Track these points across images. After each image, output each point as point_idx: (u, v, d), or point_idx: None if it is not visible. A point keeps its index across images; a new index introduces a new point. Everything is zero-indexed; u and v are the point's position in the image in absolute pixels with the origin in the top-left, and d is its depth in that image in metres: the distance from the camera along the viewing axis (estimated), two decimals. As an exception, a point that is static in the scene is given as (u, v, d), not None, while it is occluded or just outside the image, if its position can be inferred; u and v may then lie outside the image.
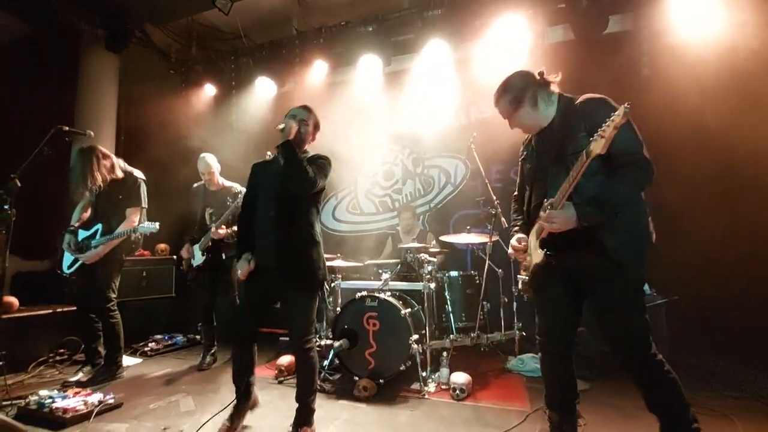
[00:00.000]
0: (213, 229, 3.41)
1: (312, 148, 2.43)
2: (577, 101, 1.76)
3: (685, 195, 3.62)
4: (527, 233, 1.92)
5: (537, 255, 1.81)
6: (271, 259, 2.18)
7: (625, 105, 1.39)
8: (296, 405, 2.21)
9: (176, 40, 5.51)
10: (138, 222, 3.25)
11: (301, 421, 2.18)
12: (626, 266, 1.62)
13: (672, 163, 3.54)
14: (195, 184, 3.84)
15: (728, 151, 3.49)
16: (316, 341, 3.21)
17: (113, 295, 3.25)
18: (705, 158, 3.61)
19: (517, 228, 2.00)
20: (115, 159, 3.31)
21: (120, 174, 3.26)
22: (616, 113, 1.40)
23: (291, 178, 2.14)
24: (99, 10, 4.66)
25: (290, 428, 2.19)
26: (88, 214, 3.40)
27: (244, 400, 2.34)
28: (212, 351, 3.65)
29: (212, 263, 3.56)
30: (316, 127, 2.41)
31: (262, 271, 2.23)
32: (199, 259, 3.60)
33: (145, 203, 3.32)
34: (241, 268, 2.25)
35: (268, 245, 2.19)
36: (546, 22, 4.18)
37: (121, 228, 3.18)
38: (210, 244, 3.51)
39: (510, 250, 1.98)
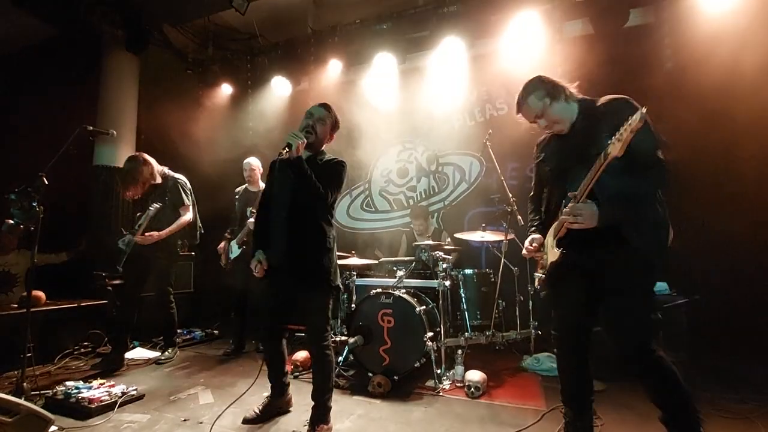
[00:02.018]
0: (252, 220, 3.63)
1: (326, 148, 2.43)
2: (599, 102, 1.77)
3: (710, 193, 3.52)
4: (544, 233, 1.94)
5: (553, 253, 1.82)
6: (284, 261, 2.22)
7: (642, 110, 1.40)
8: (312, 401, 2.22)
9: (193, 40, 5.61)
10: (192, 218, 3.62)
11: (317, 418, 2.19)
12: (651, 263, 1.66)
13: (697, 161, 3.45)
14: (237, 188, 4.11)
15: (756, 148, 3.37)
16: (331, 338, 3.29)
17: (171, 288, 3.64)
18: (731, 156, 3.50)
19: (533, 228, 2.02)
20: (155, 165, 3.55)
21: (159, 179, 3.53)
22: (633, 117, 1.40)
23: (303, 191, 2.16)
24: (120, 12, 4.77)
25: (306, 424, 2.21)
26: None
27: (277, 396, 2.45)
28: (239, 339, 3.90)
29: (248, 255, 3.72)
30: (335, 126, 2.38)
31: (277, 271, 2.27)
32: (236, 252, 3.84)
33: (188, 200, 3.63)
34: (254, 267, 2.29)
35: (281, 247, 2.22)
36: (564, 16, 4.10)
37: (168, 228, 3.46)
38: (246, 238, 3.79)
39: (524, 251, 2.01)
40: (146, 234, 3.36)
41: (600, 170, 1.54)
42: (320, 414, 2.20)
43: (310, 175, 2.11)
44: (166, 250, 3.52)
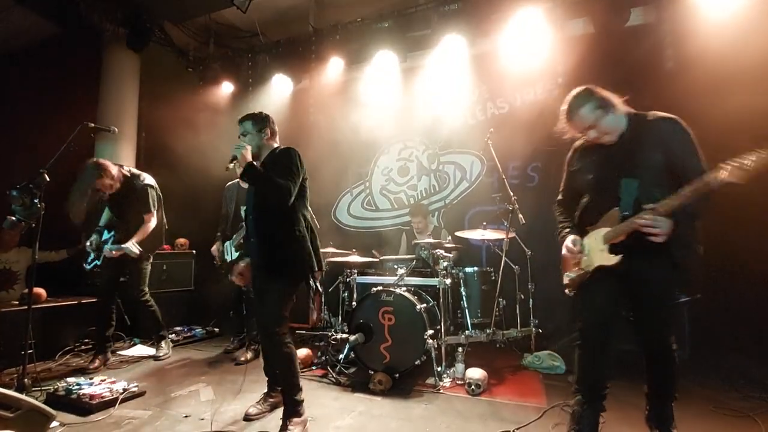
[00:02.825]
0: None
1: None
2: (649, 118, 1.87)
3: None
4: (579, 235, 2.04)
5: (607, 258, 1.87)
6: (255, 258, 2.32)
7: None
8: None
9: (194, 38, 5.59)
10: (156, 223, 3.54)
11: (288, 412, 2.17)
12: (687, 273, 1.89)
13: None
14: (227, 184, 3.99)
15: (757, 147, 3.35)
16: (334, 335, 3.29)
17: (146, 288, 3.63)
18: (730, 154, 3.47)
19: (567, 230, 2.09)
20: (115, 171, 3.42)
21: (117, 186, 3.41)
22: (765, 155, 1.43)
23: (266, 195, 2.21)
24: (120, 10, 4.76)
25: (309, 420, 2.22)
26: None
27: (274, 389, 2.49)
28: (240, 337, 3.91)
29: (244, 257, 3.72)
30: (263, 125, 2.34)
31: (254, 268, 2.35)
32: (233, 255, 3.75)
33: (153, 208, 3.53)
34: (235, 274, 2.41)
35: (252, 245, 2.34)
36: (565, 15, 4.09)
37: (137, 236, 3.40)
38: (243, 240, 3.68)
39: (564, 251, 2.05)
40: (114, 251, 3.34)
41: (700, 192, 1.59)
42: (289, 408, 2.18)
43: (267, 177, 2.13)
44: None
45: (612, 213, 1.86)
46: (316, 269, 2.27)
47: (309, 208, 2.39)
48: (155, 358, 3.58)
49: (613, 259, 1.86)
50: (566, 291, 2.12)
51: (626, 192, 1.80)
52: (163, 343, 3.71)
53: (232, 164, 2.12)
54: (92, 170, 3.32)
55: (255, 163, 2.15)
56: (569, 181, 2.15)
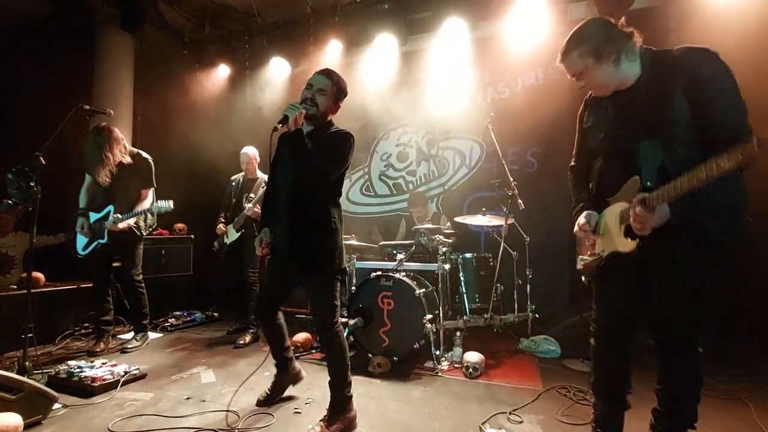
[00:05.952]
0: (249, 206, 3.61)
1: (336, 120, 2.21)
2: (674, 53, 1.46)
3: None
4: (594, 209, 1.68)
5: (623, 243, 1.53)
6: (285, 244, 2.09)
7: None
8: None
9: (189, 19, 5.48)
10: (150, 201, 3.45)
11: (335, 408, 2.06)
12: (727, 251, 1.40)
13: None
14: (233, 176, 4.00)
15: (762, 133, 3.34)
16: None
17: (140, 269, 3.52)
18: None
19: (582, 205, 1.73)
20: (124, 141, 3.42)
21: (128, 159, 3.36)
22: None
23: (301, 168, 2.00)
24: (114, -11, 4.65)
25: (308, 402, 2.23)
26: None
27: (282, 372, 2.40)
28: (242, 321, 3.92)
29: (243, 240, 3.76)
30: (339, 94, 2.12)
31: (279, 253, 2.15)
32: (233, 237, 3.81)
33: (154, 183, 3.50)
34: (257, 244, 2.20)
35: (283, 229, 2.10)
36: (568, -2, 4.04)
37: (140, 207, 3.35)
38: (243, 222, 3.73)
39: (576, 229, 1.70)
40: (120, 225, 3.22)
41: (702, 183, 1.20)
42: (338, 403, 2.06)
43: (310, 150, 1.93)
44: (131, 231, 3.36)
45: (632, 183, 1.47)
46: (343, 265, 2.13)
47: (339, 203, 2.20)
48: (123, 349, 3.31)
49: (628, 245, 1.49)
50: (584, 280, 1.78)
51: (646, 157, 1.42)
52: (139, 336, 3.48)
53: (279, 125, 1.92)
54: (100, 137, 3.23)
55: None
56: (581, 140, 1.77)
